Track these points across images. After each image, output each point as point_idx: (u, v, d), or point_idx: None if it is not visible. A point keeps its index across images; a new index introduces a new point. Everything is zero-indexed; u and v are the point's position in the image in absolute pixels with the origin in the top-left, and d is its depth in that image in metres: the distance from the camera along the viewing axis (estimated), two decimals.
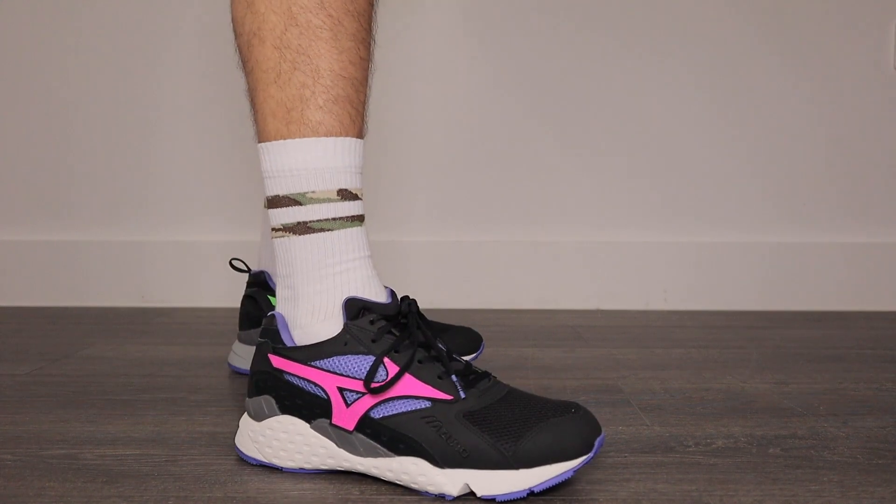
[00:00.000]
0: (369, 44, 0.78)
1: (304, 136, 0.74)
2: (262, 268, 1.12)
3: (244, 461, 0.78)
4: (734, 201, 1.69)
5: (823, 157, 1.68)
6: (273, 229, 0.78)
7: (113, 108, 1.68)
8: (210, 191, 1.67)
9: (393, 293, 0.77)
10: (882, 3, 1.66)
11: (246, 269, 1.14)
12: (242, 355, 1.10)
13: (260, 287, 1.10)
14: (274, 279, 1.07)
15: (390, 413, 0.71)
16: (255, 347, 0.96)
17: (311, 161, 0.75)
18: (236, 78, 0.84)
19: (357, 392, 0.72)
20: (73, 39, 1.67)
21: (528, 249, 1.68)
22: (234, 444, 0.79)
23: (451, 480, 0.69)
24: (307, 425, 0.74)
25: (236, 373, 1.12)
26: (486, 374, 0.74)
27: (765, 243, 1.68)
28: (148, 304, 1.68)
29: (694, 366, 1.17)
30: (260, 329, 0.97)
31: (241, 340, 1.12)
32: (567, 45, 1.66)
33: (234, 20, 0.78)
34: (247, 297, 1.11)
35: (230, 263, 1.14)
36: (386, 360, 0.72)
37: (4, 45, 1.67)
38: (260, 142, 0.77)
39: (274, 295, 1.05)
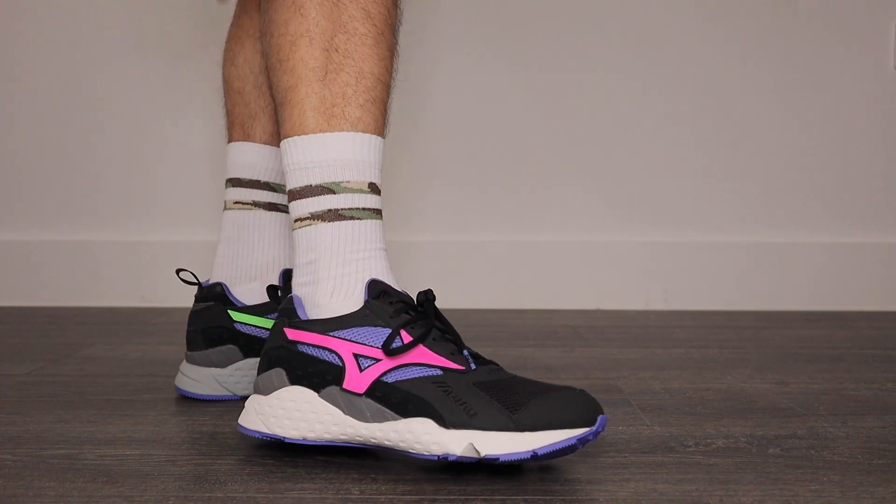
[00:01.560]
0: (396, 55, 0.85)
1: (344, 130, 0.79)
2: (218, 279, 1.00)
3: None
4: (734, 201, 1.69)
5: (823, 157, 1.68)
6: (297, 220, 0.81)
7: (113, 108, 1.68)
8: (210, 191, 1.67)
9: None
10: (882, 3, 1.66)
11: (196, 281, 1.00)
12: (197, 378, 0.98)
13: (217, 301, 0.98)
14: (232, 290, 0.99)
15: (403, 378, 0.74)
16: (211, 370, 0.97)
17: (348, 153, 0.79)
18: None
19: (373, 359, 0.75)
20: (73, 39, 1.67)
21: (528, 249, 1.68)
22: (238, 423, 0.80)
23: (456, 440, 0.71)
24: (315, 394, 0.76)
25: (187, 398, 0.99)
26: (493, 362, 0.78)
27: (765, 243, 1.68)
28: (148, 304, 1.68)
29: (694, 366, 1.17)
30: (222, 348, 0.97)
31: (195, 362, 0.98)
32: (568, 49, 1.66)
33: (271, 22, 0.82)
34: (197, 313, 0.99)
35: (177, 274, 1.01)
36: (402, 332, 0.76)
37: (4, 46, 1.67)
38: (293, 135, 0.80)
39: (235, 310, 0.97)
